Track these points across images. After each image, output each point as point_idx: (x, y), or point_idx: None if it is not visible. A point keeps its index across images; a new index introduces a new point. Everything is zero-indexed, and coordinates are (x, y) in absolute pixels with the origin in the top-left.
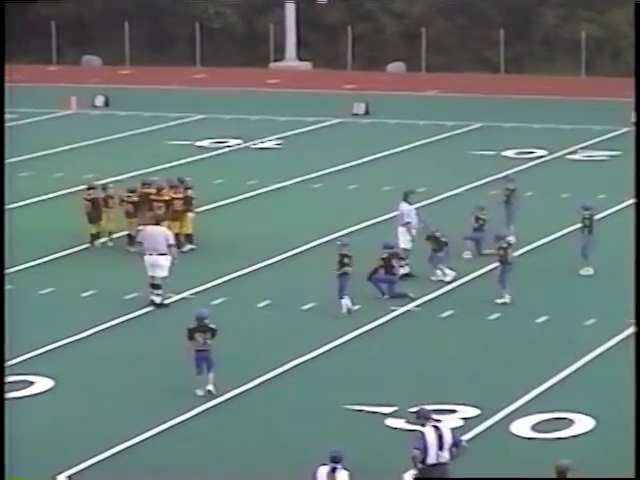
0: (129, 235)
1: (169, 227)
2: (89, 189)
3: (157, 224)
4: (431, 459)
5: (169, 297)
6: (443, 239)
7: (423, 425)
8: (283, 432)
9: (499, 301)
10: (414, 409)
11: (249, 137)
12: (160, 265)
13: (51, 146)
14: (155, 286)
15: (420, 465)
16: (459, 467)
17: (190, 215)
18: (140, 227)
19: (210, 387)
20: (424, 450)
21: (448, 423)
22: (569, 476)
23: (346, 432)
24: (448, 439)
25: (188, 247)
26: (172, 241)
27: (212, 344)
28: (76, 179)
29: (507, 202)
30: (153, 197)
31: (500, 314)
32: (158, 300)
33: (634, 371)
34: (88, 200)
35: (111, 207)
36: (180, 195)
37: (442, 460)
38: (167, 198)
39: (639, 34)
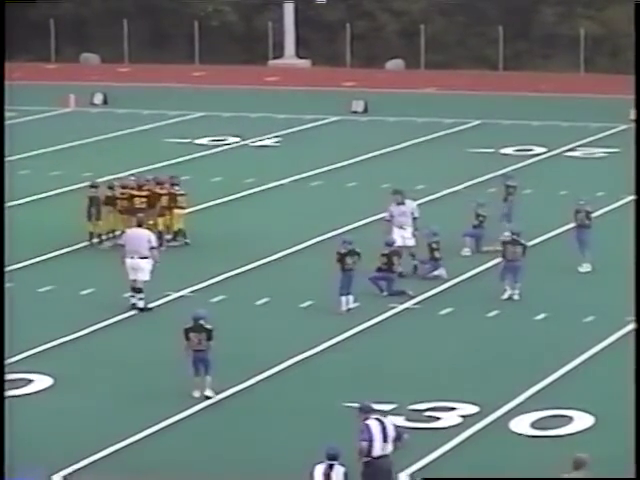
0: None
1: (155, 224)
2: (92, 187)
3: (140, 226)
4: (376, 451)
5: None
6: (437, 254)
7: (366, 419)
8: (281, 430)
9: (504, 297)
10: (357, 405)
11: (248, 135)
12: (141, 268)
13: (50, 144)
14: (137, 290)
15: (365, 458)
16: (459, 466)
17: (176, 212)
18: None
19: (208, 392)
20: (370, 442)
21: (391, 418)
22: (583, 472)
23: (345, 430)
24: (391, 432)
25: (177, 242)
26: (154, 243)
27: (209, 345)
28: (75, 177)
29: (508, 200)
30: (135, 193)
31: (499, 311)
32: (141, 304)
33: (633, 368)
34: (88, 198)
35: (117, 206)
36: (165, 191)
37: (386, 452)
38: (146, 193)
39: (639, 33)
